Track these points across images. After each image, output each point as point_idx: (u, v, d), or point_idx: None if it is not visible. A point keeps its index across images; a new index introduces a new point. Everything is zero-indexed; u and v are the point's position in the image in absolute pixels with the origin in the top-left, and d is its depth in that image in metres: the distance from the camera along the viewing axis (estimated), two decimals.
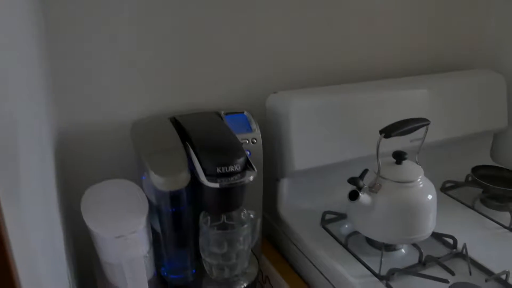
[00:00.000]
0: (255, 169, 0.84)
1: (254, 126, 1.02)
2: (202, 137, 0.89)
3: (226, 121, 1.01)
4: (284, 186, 1.18)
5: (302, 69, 1.26)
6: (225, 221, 0.97)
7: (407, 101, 1.27)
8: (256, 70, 1.19)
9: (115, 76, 1.01)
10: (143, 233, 0.85)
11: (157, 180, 0.82)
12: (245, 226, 0.93)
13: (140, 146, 0.88)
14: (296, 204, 1.20)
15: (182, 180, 0.83)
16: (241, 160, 0.84)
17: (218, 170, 0.82)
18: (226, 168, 0.82)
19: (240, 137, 0.97)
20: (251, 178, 0.83)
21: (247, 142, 1.00)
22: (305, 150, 1.13)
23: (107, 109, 1.04)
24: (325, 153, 1.16)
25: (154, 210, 0.88)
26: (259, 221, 0.99)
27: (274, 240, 1.25)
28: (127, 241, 0.80)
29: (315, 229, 1.13)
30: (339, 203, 1.14)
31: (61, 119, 1.00)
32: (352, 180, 0.98)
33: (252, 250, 1.05)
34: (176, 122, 0.96)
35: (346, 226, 1.14)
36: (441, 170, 1.34)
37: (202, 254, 0.94)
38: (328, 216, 1.16)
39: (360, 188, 0.98)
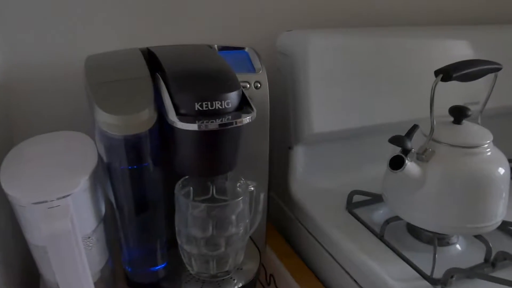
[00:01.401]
0: (254, 108, 0.55)
1: (259, 65, 0.73)
2: (179, 64, 0.60)
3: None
4: (298, 156, 0.89)
5: (323, 7, 0.96)
6: (215, 194, 0.68)
7: (464, 52, 0.97)
8: (264, 2, 0.90)
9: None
10: (83, 201, 0.57)
11: (105, 119, 0.54)
12: (240, 199, 0.64)
13: (89, 77, 0.60)
14: (314, 181, 0.91)
15: (142, 120, 0.55)
16: (233, 94, 0.55)
17: (197, 106, 0.53)
18: (209, 103, 0.53)
19: (239, 77, 0.68)
20: (248, 119, 0.54)
21: (248, 86, 0.71)
22: (327, 107, 0.84)
23: (61, 47, 0.78)
24: (353, 112, 0.87)
25: (106, 170, 0.60)
26: (262, 196, 0.70)
27: (283, 227, 0.96)
28: (52, 210, 0.52)
29: (338, 214, 0.84)
30: (370, 182, 0.86)
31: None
32: (396, 140, 0.68)
33: (251, 238, 0.76)
34: (149, 53, 0.67)
35: (381, 211, 0.85)
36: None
37: (178, 240, 0.66)
38: (356, 198, 0.86)
39: (406, 152, 0.68)
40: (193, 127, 0.52)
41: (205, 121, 0.53)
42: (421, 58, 0.92)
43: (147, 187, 0.61)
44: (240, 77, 0.69)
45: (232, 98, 0.55)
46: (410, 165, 0.68)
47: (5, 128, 0.77)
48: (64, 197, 0.54)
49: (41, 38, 0.78)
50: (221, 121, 0.54)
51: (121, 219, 0.62)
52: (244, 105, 0.57)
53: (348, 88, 0.85)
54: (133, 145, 0.56)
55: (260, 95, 0.73)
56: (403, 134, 0.71)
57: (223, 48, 0.75)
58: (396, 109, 0.91)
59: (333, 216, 0.83)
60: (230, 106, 0.55)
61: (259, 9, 0.92)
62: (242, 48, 0.77)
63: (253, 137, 0.74)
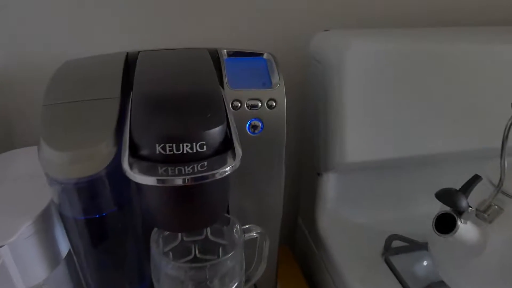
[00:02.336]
0: (239, 152, 0.41)
1: (276, 78, 0.57)
2: (151, 82, 0.46)
3: (224, 65, 0.57)
4: (329, 184, 0.73)
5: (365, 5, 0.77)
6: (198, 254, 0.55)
7: None
8: None
9: None
10: (28, 249, 0.46)
11: (47, 156, 0.41)
12: (228, 256, 0.50)
13: (47, 93, 0.48)
14: (346, 214, 0.75)
15: (96, 157, 0.42)
16: (211, 133, 0.40)
17: (159, 149, 0.39)
18: (174, 146, 0.39)
19: (247, 95, 0.54)
20: (228, 169, 0.39)
21: (259, 105, 0.55)
22: (365, 130, 0.67)
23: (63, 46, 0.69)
24: (398, 138, 0.69)
25: (58, 216, 0.48)
26: (266, 245, 0.56)
27: (306, 263, 0.81)
28: None
29: (372, 262, 0.68)
30: (415, 221, 0.69)
31: None
32: (447, 196, 0.50)
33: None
34: (129, 62, 0.54)
35: (425, 263, 0.67)
36: None
37: None
38: (396, 243, 0.69)
39: (460, 212, 0.50)
40: (148, 180, 0.38)
41: (166, 172, 0.39)
42: (493, 72, 0.70)
43: (113, 237, 0.49)
44: (250, 93, 0.55)
45: (210, 138, 0.41)
46: (465, 228, 0.50)
47: (4, 130, 0.69)
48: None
49: (42, 36, 0.68)
50: (191, 170, 0.39)
51: (82, 270, 0.50)
52: (226, 142, 0.42)
53: (394, 108, 0.67)
54: (86, 190, 0.44)
55: (274, 116, 0.57)
56: (458, 186, 0.53)
57: (235, 54, 0.60)
58: (454, 137, 0.71)
59: (366, 264, 0.67)
60: (205, 149, 0.40)
61: (286, 9, 0.75)
62: (258, 54, 0.61)
63: (265, 168, 0.59)
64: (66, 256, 0.52)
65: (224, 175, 0.40)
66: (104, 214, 0.46)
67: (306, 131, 0.76)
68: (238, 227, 0.54)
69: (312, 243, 0.78)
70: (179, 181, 0.38)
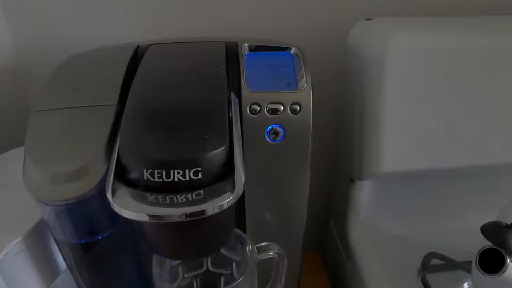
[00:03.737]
0: (241, 179, 0.34)
1: (303, 78, 0.50)
2: (148, 90, 0.40)
3: (244, 63, 0.50)
4: (363, 193, 0.65)
5: None
6: (210, 267, 0.50)
7: None
8: None
9: None
10: (19, 265, 0.43)
11: (32, 175, 0.37)
12: (238, 282, 0.44)
13: (37, 99, 0.43)
14: (380, 226, 0.67)
15: (86, 177, 0.37)
16: (208, 157, 0.34)
17: (147, 175, 0.33)
18: (163, 173, 0.33)
19: (268, 97, 0.47)
20: (227, 203, 0.33)
21: (281, 109, 0.48)
22: (406, 136, 0.58)
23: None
24: (443, 147, 0.60)
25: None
26: (284, 266, 0.50)
27: (336, 272, 0.74)
28: None
29: (406, 280, 0.61)
30: (458, 238, 0.60)
31: None
32: (492, 231, 0.42)
33: None
34: (141, 58, 0.48)
35: (466, 285, 0.59)
36: None
37: None
38: (434, 261, 0.61)
39: (511, 251, 0.41)
40: (131, 215, 0.33)
41: (157, 200, 0.34)
42: None
43: (112, 258, 0.44)
44: (271, 96, 0.48)
45: (207, 163, 0.34)
46: None
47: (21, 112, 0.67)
48: None
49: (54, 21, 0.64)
50: (184, 200, 0.34)
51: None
52: (228, 166, 0.36)
53: (442, 112, 0.58)
54: (76, 213, 0.40)
55: (298, 122, 0.50)
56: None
57: (257, 48, 0.53)
58: (507, 148, 0.61)
59: (400, 282, 0.60)
60: (201, 176, 0.34)
61: None
62: (285, 49, 0.54)
63: (287, 179, 0.53)
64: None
65: (222, 209, 0.34)
66: (99, 237, 0.42)
67: (340, 133, 0.69)
68: (250, 246, 0.48)
69: (343, 252, 0.71)
70: (168, 218, 0.33)
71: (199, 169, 0.34)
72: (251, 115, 0.48)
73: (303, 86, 0.50)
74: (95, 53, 0.50)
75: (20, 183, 0.46)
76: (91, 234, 0.42)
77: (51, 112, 0.41)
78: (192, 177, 0.34)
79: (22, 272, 0.43)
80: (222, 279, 0.54)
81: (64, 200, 0.37)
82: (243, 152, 0.37)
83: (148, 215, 0.33)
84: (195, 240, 0.39)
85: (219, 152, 0.35)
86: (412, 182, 0.64)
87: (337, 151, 0.72)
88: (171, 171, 0.33)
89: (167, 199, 0.34)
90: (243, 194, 0.53)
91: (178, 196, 0.34)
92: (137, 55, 0.50)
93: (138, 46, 0.51)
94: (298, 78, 0.51)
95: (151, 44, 0.51)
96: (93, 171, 0.38)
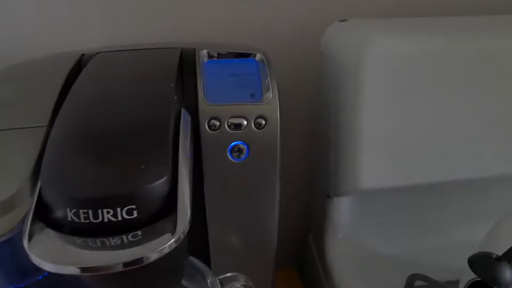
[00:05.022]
0: (185, 219, 0.29)
1: (269, 89, 0.45)
2: (81, 108, 0.34)
3: (202, 72, 0.45)
4: (340, 209, 0.60)
5: None
6: None
7: None
8: None
9: None
10: None
11: None
12: None
13: None
14: (360, 243, 0.62)
15: (10, 215, 0.32)
16: (144, 191, 0.29)
17: (71, 215, 0.28)
18: (90, 213, 0.28)
19: (229, 111, 0.42)
20: (167, 247, 0.28)
21: (245, 124, 0.43)
22: (385, 151, 0.53)
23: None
24: (425, 161, 0.55)
25: None
26: None
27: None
28: None
29: None
30: (443, 255, 0.58)
31: None
32: (480, 264, 0.37)
33: None
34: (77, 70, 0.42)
35: None
36: None
37: None
38: (418, 283, 0.56)
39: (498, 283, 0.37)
40: (51, 267, 0.27)
41: (85, 244, 0.28)
42: None
43: None
44: (233, 109, 0.43)
45: (143, 199, 0.29)
46: None
47: None
48: None
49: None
50: (118, 242, 0.28)
51: None
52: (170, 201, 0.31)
53: (424, 122, 0.53)
54: (2, 254, 0.34)
55: (264, 138, 0.45)
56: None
57: (218, 56, 0.48)
58: (500, 158, 0.56)
59: None
60: (136, 215, 0.29)
61: None
62: (249, 55, 0.48)
63: (252, 199, 0.48)
64: None
65: (162, 255, 0.28)
66: (34, 280, 0.36)
67: (316, 144, 0.64)
68: (211, 279, 0.43)
69: (321, 270, 0.66)
70: (99, 270, 0.27)
71: (134, 206, 0.28)
72: (210, 131, 0.43)
73: (269, 97, 0.45)
74: (32, 64, 0.45)
75: None
76: (24, 277, 0.36)
77: None
78: (126, 216, 0.29)
79: None
80: None
81: None
82: (200, 176, 0.32)
83: (76, 267, 0.27)
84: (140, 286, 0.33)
85: (158, 185, 0.29)
86: (393, 198, 0.59)
87: (313, 164, 0.67)
88: (99, 211, 0.28)
89: (98, 243, 0.28)
90: (204, 217, 0.48)
91: (111, 239, 0.28)
92: (80, 66, 0.44)
93: (82, 54, 0.46)
94: (263, 89, 0.46)
95: (97, 53, 0.45)
96: (18, 206, 0.32)
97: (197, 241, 0.46)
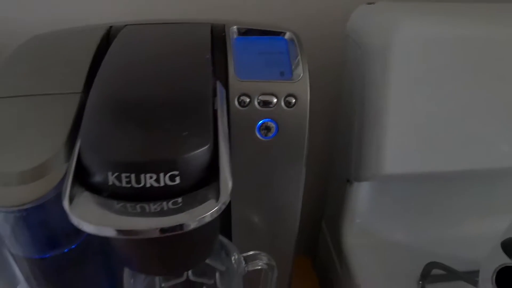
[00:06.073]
0: (227, 187, 0.28)
1: (299, 67, 0.44)
2: (117, 77, 0.34)
3: (232, 48, 0.44)
4: (360, 195, 0.60)
5: None
6: (190, 276, 0.44)
7: None
8: None
9: None
10: None
11: None
12: None
13: None
14: (378, 230, 0.62)
15: (42, 178, 0.31)
16: (188, 158, 0.28)
17: (112, 179, 0.27)
18: (133, 177, 0.27)
19: (259, 88, 0.41)
20: (207, 216, 0.27)
21: (274, 101, 0.43)
22: (411, 136, 0.53)
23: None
24: (454, 147, 0.54)
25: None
26: (274, 277, 0.45)
27: (327, 277, 0.69)
28: None
29: None
30: (461, 245, 0.59)
31: None
32: None
33: None
34: (107, 41, 0.42)
35: None
36: None
37: None
38: (435, 271, 0.56)
39: None
40: (91, 228, 0.27)
41: (124, 209, 0.27)
42: None
43: (77, 274, 0.38)
44: (263, 86, 0.43)
45: (186, 166, 0.28)
46: None
47: None
48: None
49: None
50: (158, 209, 0.28)
51: None
52: (211, 168, 0.30)
53: (451, 109, 0.52)
54: (31, 221, 0.33)
55: (293, 117, 0.44)
56: None
57: (247, 32, 0.47)
58: None
59: None
60: (179, 182, 0.28)
61: None
62: (279, 33, 0.48)
63: (279, 178, 0.47)
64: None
65: (203, 223, 0.28)
66: (62, 252, 0.36)
67: (337, 129, 0.63)
68: (236, 256, 0.43)
69: (335, 255, 0.66)
70: (138, 233, 0.27)
71: (177, 173, 0.28)
72: (240, 108, 0.42)
73: (299, 75, 0.44)
74: (60, 34, 0.44)
75: None
76: (52, 247, 0.36)
77: (3, 100, 0.35)
78: (168, 182, 0.28)
79: None
80: (218, 274, 0.48)
81: (18, 205, 0.31)
82: (229, 151, 0.32)
83: (115, 230, 0.27)
84: (173, 255, 0.33)
85: (201, 153, 0.29)
86: (413, 185, 0.59)
87: (333, 149, 0.66)
88: (142, 175, 0.27)
89: (138, 208, 0.28)
90: None
91: (151, 205, 0.28)
92: (109, 37, 0.43)
93: (110, 27, 0.45)
94: (293, 67, 0.45)
95: (125, 25, 0.45)
96: (52, 171, 0.32)
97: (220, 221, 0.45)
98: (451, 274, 0.55)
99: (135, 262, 0.34)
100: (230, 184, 0.29)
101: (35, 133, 0.33)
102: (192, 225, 0.27)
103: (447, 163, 0.53)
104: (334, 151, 0.66)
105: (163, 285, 0.47)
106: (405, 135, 0.52)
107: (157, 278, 0.46)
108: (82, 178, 0.29)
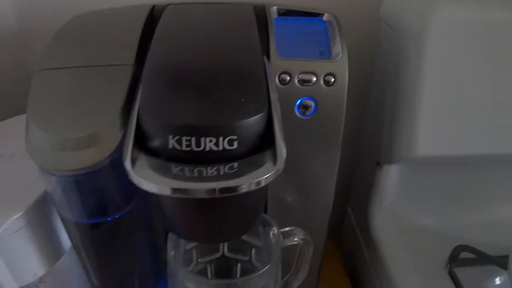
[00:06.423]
0: (282, 152, 0.29)
1: (338, 47, 0.45)
2: (172, 49, 0.35)
3: (273, 27, 0.45)
4: (390, 178, 0.60)
5: None
6: (226, 252, 0.46)
7: None
8: None
9: None
10: (17, 244, 0.38)
11: (36, 140, 0.32)
12: (263, 271, 0.40)
13: (43, 55, 0.38)
14: (406, 216, 0.62)
15: (98, 144, 0.32)
16: (245, 124, 0.29)
17: (173, 142, 0.28)
18: (193, 141, 0.28)
19: (299, 66, 0.42)
20: (264, 179, 0.28)
21: (314, 80, 0.43)
22: (445, 119, 0.53)
23: None
24: (489, 130, 0.55)
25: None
26: (309, 252, 0.46)
27: (352, 261, 0.70)
28: None
29: (433, 273, 0.56)
30: (491, 230, 0.59)
31: None
32: None
33: None
34: (152, 19, 0.43)
35: (498, 281, 0.55)
36: None
37: None
38: (463, 255, 0.56)
39: None
40: (154, 187, 0.28)
41: (182, 173, 0.28)
42: None
43: (124, 240, 0.40)
44: (303, 65, 0.43)
45: (243, 131, 0.29)
46: None
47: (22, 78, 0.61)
48: None
49: None
50: (215, 173, 0.29)
51: (86, 271, 0.42)
52: (265, 136, 0.31)
53: (487, 92, 0.53)
54: (86, 187, 0.35)
55: (332, 96, 0.45)
56: None
57: (287, 13, 0.48)
58: None
59: (422, 277, 0.55)
60: (236, 146, 0.29)
61: None
62: (318, 15, 0.48)
63: (314, 157, 0.48)
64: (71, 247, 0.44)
65: (259, 186, 0.29)
66: (110, 219, 0.37)
67: (367, 111, 0.64)
68: (275, 230, 0.44)
69: (362, 239, 0.66)
70: (196, 193, 0.28)
71: (235, 137, 0.29)
72: (280, 86, 0.43)
73: (339, 55, 0.45)
74: (102, 13, 0.45)
75: (21, 152, 0.41)
76: (102, 214, 0.37)
77: (58, 71, 0.36)
78: (227, 146, 0.29)
79: (21, 251, 0.38)
80: (239, 266, 0.49)
81: (73, 169, 0.32)
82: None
83: (172, 188, 0.28)
84: (220, 223, 0.34)
85: (258, 119, 0.30)
86: (443, 169, 0.59)
87: (364, 131, 0.67)
88: (202, 139, 0.28)
89: (195, 172, 0.29)
90: None
91: (208, 169, 0.29)
92: (153, 15, 0.44)
93: (153, 6, 0.46)
94: (332, 47, 0.46)
95: (168, 4, 0.46)
96: (108, 138, 0.33)
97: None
98: (480, 257, 0.56)
99: (183, 228, 0.35)
100: (285, 151, 0.30)
101: (91, 101, 0.34)
102: (249, 187, 0.28)
103: (479, 146, 0.54)
104: (364, 134, 0.67)
105: (199, 260, 0.48)
106: (438, 118, 0.52)
107: (194, 253, 0.47)
108: (141, 143, 0.30)
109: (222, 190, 0.28)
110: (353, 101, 0.69)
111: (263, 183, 0.29)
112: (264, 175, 0.29)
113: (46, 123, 0.32)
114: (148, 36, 0.39)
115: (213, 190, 0.28)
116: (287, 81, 0.44)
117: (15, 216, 0.36)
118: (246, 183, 0.28)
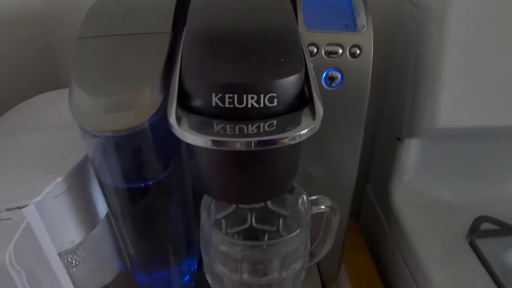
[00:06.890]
0: (320, 110, 0.30)
1: (363, 20, 0.46)
2: (211, 15, 0.36)
3: (301, 0, 0.46)
4: (410, 152, 0.62)
5: None
6: (254, 223, 0.47)
7: None
8: None
9: None
10: (57, 209, 0.39)
11: (80, 102, 0.33)
12: (293, 235, 0.41)
13: (83, 25, 0.39)
14: (427, 189, 0.64)
15: (140, 107, 0.33)
16: (284, 82, 0.30)
17: (216, 100, 0.30)
18: (235, 98, 0.30)
19: (326, 38, 0.44)
20: (305, 133, 0.29)
21: (340, 52, 0.45)
22: (466, 91, 0.54)
23: None
24: (505, 103, 0.55)
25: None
26: (336, 220, 0.47)
27: (372, 236, 0.71)
28: (7, 223, 0.36)
29: (454, 244, 0.57)
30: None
31: None
32: None
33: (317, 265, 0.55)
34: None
35: None
36: None
37: (205, 271, 0.46)
38: (484, 226, 0.57)
39: None
40: (200, 141, 0.29)
41: (224, 130, 0.30)
42: None
43: (160, 205, 0.41)
44: (329, 37, 0.45)
45: (283, 89, 0.31)
46: None
47: (48, 59, 0.63)
48: (22, 206, 0.36)
49: None
50: (255, 130, 0.30)
51: (122, 238, 0.43)
52: (303, 97, 0.32)
53: (506, 67, 0.53)
54: (126, 149, 0.36)
55: (357, 67, 0.46)
56: None
57: None
58: None
59: (444, 248, 0.56)
60: (275, 103, 0.30)
61: None
62: None
63: (340, 129, 0.49)
64: (106, 215, 0.45)
65: (298, 140, 0.30)
66: (149, 183, 0.38)
67: (388, 86, 0.65)
68: (304, 198, 0.45)
69: (382, 216, 0.67)
70: (239, 145, 0.29)
71: (275, 95, 0.30)
72: None
73: (364, 27, 0.46)
74: None
75: (56, 124, 0.43)
76: (139, 179, 0.38)
77: (99, 38, 0.37)
78: (267, 103, 0.30)
79: (61, 216, 0.40)
80: (266, 236, 0.51)
81: (116, 130, 0.34)
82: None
83: (213, 140, 0.29)
84: (258, 179, 0.35)
85: (295, 78, 0.31)
86: (464, 143, 0.60)
87: (382, 105, 0.68)
88: (244, 96, 0.30)
89: (236, 129, 0.30)
90: None
91: (249, 125, 0.30)
92: None
93: None
94: (357, 20, 0.47)
95: None
96: (149, 100, 0.34)
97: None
98: (501, 228, 0.56)
99: (218, 187, 0.36)
100: (322, 109, 0.31)
101: (131, 67, 0.35)
102: (290, 141, 0.29)
103: (500, 118, 0.55)
104: (383, 109, 0.67)
105: (228, 230, 0.50)
106: (460, 89, 0.53)
107: (223, 224, 0.49)
108: (183, 102, 0.32)
109: (261, 142, 0.29)
110: (375, 75, 0.70)
111: (301, 138, 0.30)
112: (303, 130, 0.30)
113: (90, 87, 0.34)
114: (182, 6, 0.40)
115: (253, 143, 0.29)
116: (314, 52, 0.45)
117: (57, 180, 0.37)
118: (288, 136, 0.29)
